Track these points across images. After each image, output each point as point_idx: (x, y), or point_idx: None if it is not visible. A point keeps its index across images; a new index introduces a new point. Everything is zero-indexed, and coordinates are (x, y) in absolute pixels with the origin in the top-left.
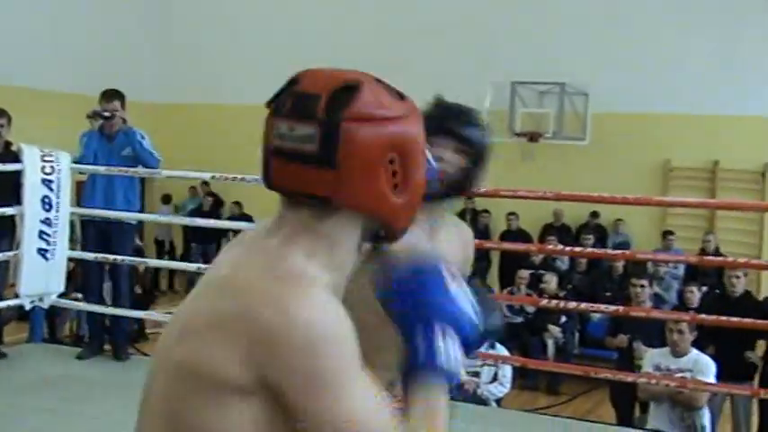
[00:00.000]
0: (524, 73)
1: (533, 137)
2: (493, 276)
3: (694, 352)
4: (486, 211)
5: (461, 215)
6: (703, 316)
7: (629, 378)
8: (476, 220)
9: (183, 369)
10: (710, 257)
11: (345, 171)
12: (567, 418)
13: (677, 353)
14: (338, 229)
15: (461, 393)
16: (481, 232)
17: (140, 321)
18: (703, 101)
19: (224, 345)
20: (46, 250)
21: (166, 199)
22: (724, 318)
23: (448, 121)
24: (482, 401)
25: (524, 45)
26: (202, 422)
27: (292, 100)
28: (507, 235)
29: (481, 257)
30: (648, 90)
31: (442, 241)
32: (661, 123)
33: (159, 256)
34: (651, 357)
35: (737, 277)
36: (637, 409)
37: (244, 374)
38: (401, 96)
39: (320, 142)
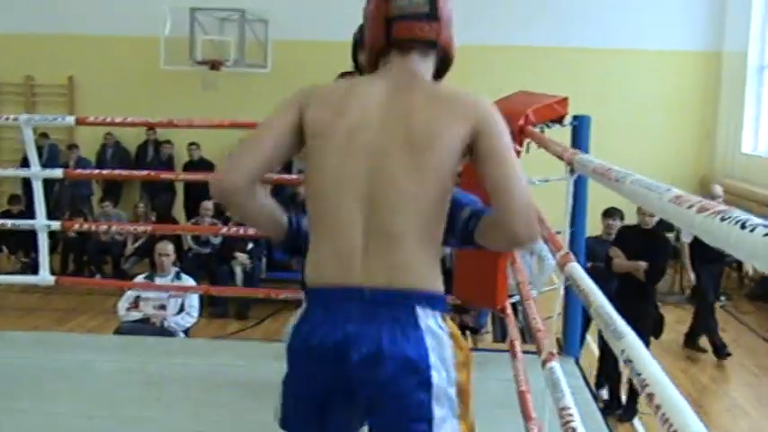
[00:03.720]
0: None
1: (215, 65)
2: (178, 207)
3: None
4: (169, 141)
5: (143, 146)
6: None
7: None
8: (158, 151)
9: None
10: None
11: (443, 22)
12: (255, 340)
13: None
14: (430, 64)
15: (148, 328)
16: (164, 164)
17: None
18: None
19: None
20: None
21: None
22: None
23: None
24: (170, 333)
25: None
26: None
27: None
28: (190, 165)
29: (165, 188)
30: (328, 18)
31: None
32: (339, 50)
33: None
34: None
35: None
36: None
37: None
38: None
39: (430, 4)
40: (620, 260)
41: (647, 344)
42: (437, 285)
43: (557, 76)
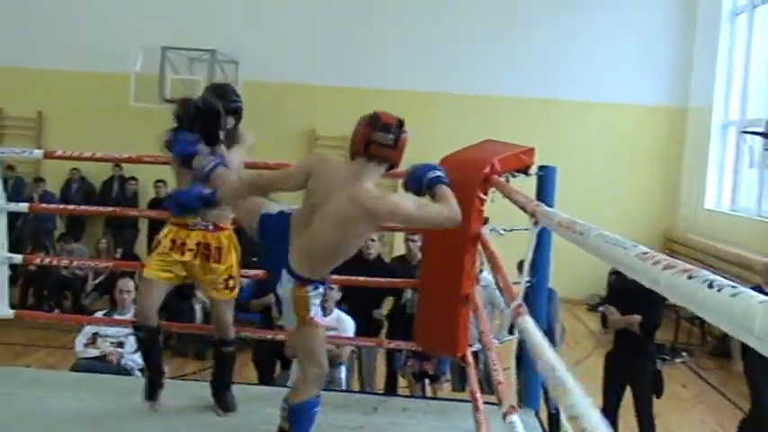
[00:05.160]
0: (175, 38)
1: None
2: (140, 244)
3: (337, 311)
4: (134, 178)
5: (109, 182)
6: (335, 277)
7: (269, 335)
8: (123, 187)
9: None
10: None
11: (398, 151)
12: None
13: (324, 311)
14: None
15: (105, 366)
16: (129, 200)
17: None
18: (346, 75)
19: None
20: None
21: None
22: (354, 278)
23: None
24: (127, 372)
25: (175, 10)
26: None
27: (381, 124)
28: (156, 202)
29: (129, 225)
30: (297, 61)
31: None
32: (307, 94)
33: None
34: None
35: (372, 240)
36: (278, 368)
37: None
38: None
39: (393, 142)
40: (613, 317)
41: (648, 401)
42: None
43: (522, 126)
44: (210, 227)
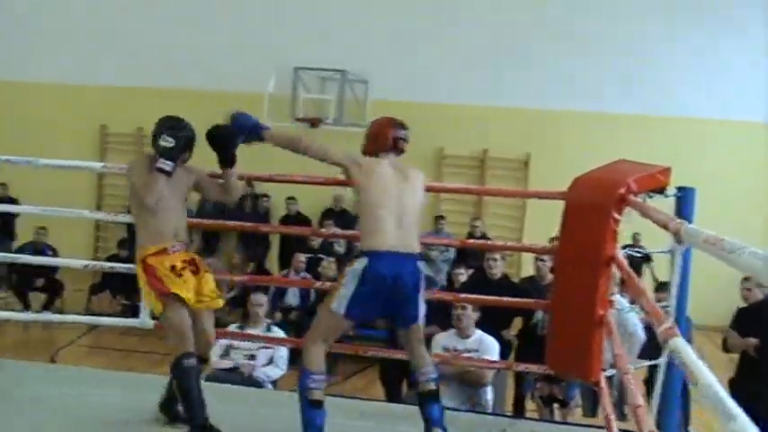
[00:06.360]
0: (307, 59)
1: (315, 122)
2: (273, 260)
3: (479, 333)
4: (266, 195)
5: (242, 199)
6: (464, 295)
7: (397, 355)
8: (255, 204)
9: None
10: (473, 240)
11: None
12: (338, 396)
13: (463, 334)
14: None
15: (237, 377)
16: (261, 216)
17: None
18: (474, 93)
19: None
20: None
21: None
22: (483, 297)
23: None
24: (258, 384)
25: (307, 31)
26: None
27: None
28: (287, 219)
29: (261, 240)
30: (425, 80)
31: None
32: (436, 113)
33: None
34: (440, 340)
35: (495, 260)
36: (404, 387)
37: None
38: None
39: None
40: (732, 339)
41: (764, 428)
42: None
43: (652, 145)
44: (182, 248)
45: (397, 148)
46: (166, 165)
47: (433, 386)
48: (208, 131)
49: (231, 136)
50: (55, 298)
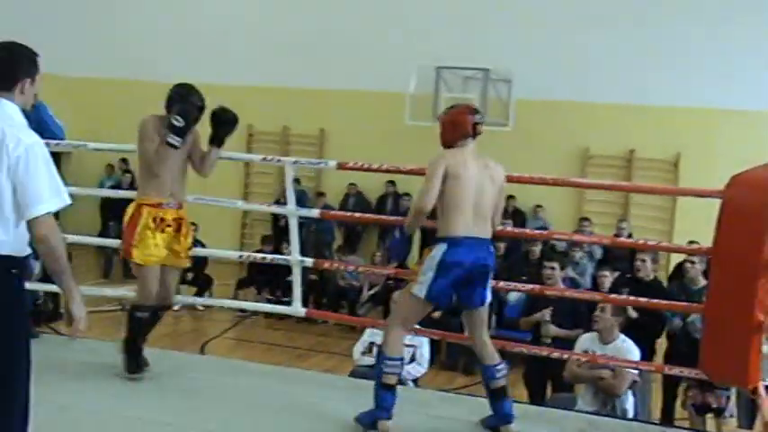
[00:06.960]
0: (449, 58)
1: None
2: (413, 256)
3: (621, 338)
4: (408, 194)
5: (383, 198)
6: (614, 296)
7: (544, 352)
8: (397, 203)
9: None
10: (621, 239)
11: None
12: (481, 396)
13: (604, 339)
14: None
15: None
16: (402, 215)
17: (56, 300)
18: (621, 91)
19: None
20: None
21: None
22: (632, 298)
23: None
24: (399, 381)
25: (450, 31)
26: None
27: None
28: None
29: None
30: (570, 79)
31: None
32: (581, 112)
33: None
34: (582, 342)
35: (643, 261)
36: (549, 389)
37: None
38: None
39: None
40: None
41: None
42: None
43: None
44: (176, 205)
45: (475, 133)
46: (176, 141)
47: (503, 382)
48: (214, 112)
49: (234, 122)
50: (204, 291)
